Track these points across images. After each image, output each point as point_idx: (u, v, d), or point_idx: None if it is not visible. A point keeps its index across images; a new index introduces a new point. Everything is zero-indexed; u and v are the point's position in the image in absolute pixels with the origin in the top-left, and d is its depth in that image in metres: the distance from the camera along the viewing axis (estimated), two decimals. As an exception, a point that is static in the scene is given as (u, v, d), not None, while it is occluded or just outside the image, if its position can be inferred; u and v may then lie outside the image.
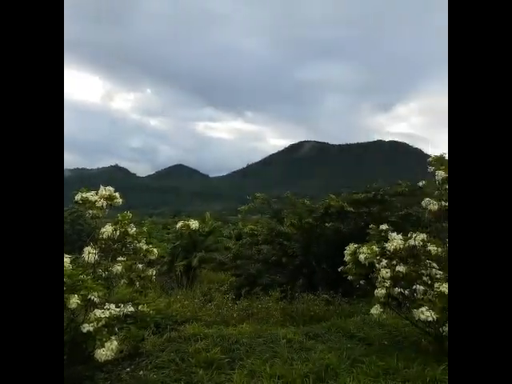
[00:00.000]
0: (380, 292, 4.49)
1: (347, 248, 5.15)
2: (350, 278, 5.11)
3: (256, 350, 4.45)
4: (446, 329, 4.09)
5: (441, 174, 4.80)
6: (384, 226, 5.08)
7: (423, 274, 4.57)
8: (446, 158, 5.00)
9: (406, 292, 4.47)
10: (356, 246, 5.04)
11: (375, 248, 4.80)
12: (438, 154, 5.18)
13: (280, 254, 11.16)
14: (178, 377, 3.86)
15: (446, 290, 4.02)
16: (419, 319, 4.18)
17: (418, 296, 4.35)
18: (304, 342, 4.74)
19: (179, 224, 4.70)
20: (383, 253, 4.75)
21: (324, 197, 11.39)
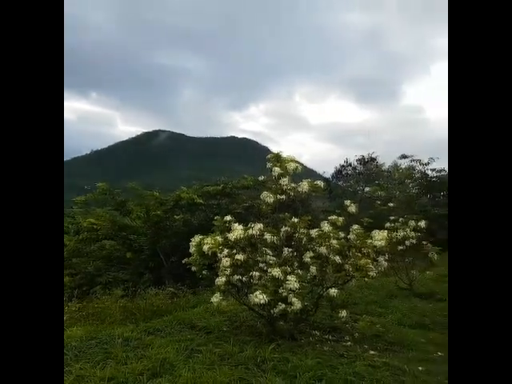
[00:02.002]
0: (220, 280, 4.66)
1: (192, 239, 5.18)
2: (193, 268, 5.16)
3: (87, 353, 4.02)
4: (277, 310, 4.52)
5: (277, 170, 5.26)
6: (228, 218, 5.28)
7: (259, 261, 4.95)
8: (283, 156, 5.52)
9: (244, 279, 4.76)
10: (201, 237, 5.11)
11: (219, 238, 4.95)
12: (275, 151, 5.69)
13: (124, 249, 10.50)
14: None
15: (277, 274, 4.43)
16: (254, 303, 4.49)
17: (254, 281, 4.67)
18: (142, 339, 4.53)
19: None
20: (226, 243, 4.94)
21: (177, 189, 11.23)
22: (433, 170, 17.24)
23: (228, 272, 4.68)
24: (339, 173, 27.86)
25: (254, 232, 4.86)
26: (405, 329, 5.40)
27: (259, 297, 4.28)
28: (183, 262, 5.29)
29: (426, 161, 17.34)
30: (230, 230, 5.02)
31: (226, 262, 4.62)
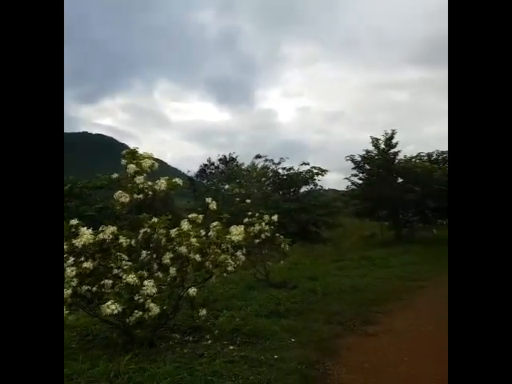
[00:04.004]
0: (66, 293, 4.08)
1: (28, 248, 4.40)
2: (30, 282, 4.38)
3: None
4: (133, 318, 4.20)
5: (132, 168, 4.90)
6: (75, 221, 4.68)
7: (113, 268, 4.52)
8: (139, 152, 5.17)
9: (95, 288, 4.28)
10: (40, 245, 4.38)
11: (62, 246, 4.33)
12: (132, 147, 5.30)
13: None
14: None
15: (132, 280, 4.12)
16: (107, 314, 4.08)
17: (107, 290, 4.25)
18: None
19: None
20: (72, 250, 4.36)
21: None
22: (283, 168, 19.04)
23: (74, 283, 4.14)
24: (203, 171, 28.30)
25: (105, 236, 4.43)
26: (261, 319, 5.64)
27: (111, 307, 3.91)
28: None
29: (277, 160, 19.05)
30: (77, 235, 4.46)
31: (70, 271, 4.08)
